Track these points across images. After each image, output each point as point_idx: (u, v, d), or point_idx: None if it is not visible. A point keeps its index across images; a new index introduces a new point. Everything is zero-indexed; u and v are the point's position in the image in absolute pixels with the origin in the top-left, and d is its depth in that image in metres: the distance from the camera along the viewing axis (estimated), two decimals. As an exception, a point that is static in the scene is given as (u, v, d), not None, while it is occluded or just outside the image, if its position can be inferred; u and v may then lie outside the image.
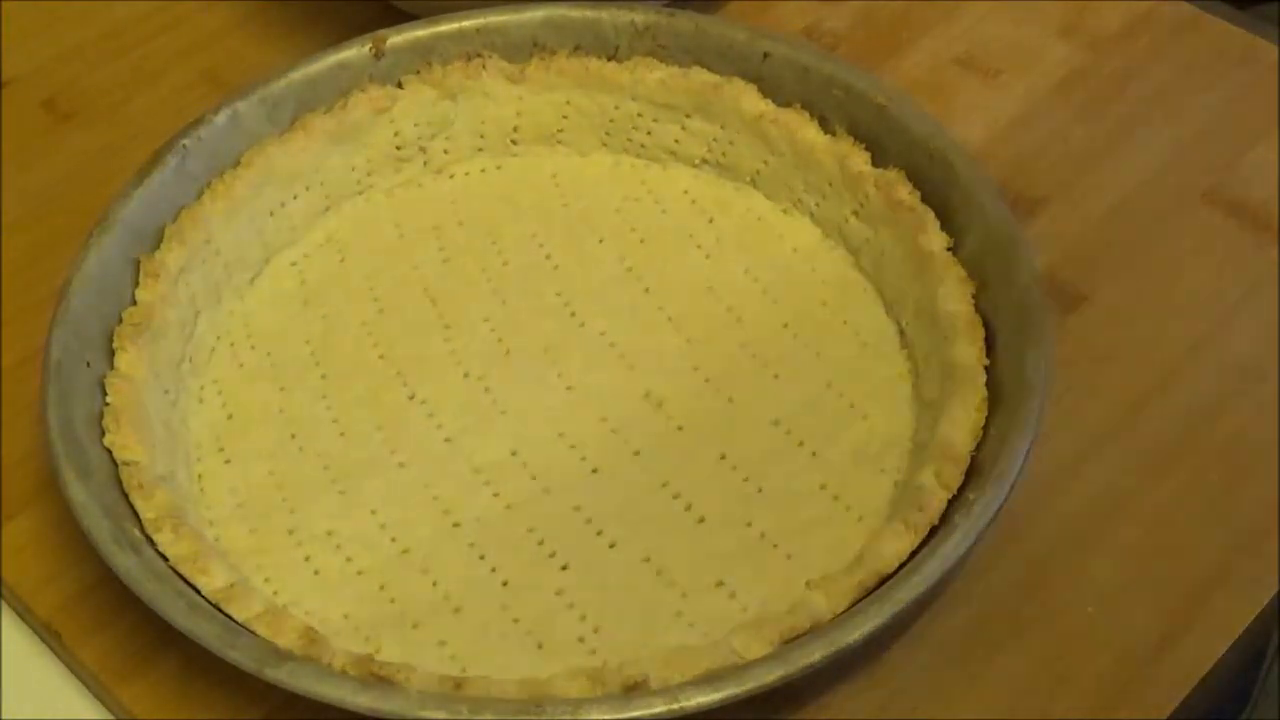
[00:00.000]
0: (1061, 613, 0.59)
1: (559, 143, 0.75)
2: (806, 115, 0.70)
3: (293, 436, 0.64)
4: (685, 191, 0.73)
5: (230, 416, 0.65)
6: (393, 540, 0.61)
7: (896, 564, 0.55)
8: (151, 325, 0.63)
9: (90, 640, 0.59)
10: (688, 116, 0.72)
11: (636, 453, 0.63)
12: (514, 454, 0.63)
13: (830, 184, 0.69)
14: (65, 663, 0.59)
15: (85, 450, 0.58)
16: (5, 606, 0.61)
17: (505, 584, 0.59)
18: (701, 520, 0.61)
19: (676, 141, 0.73)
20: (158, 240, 0.66)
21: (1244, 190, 0.73)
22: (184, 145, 0.67)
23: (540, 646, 0.57)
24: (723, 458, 0.63)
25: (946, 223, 0.66)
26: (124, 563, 0.55)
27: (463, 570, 0.60)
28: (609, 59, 0.73)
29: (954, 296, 0.63)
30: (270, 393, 0.66)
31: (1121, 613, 0.59)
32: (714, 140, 0.72)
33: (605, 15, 0.73)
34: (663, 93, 0.72)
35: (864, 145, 0.69)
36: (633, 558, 0.60)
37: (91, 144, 0.77)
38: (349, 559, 0.60)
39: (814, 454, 0.63)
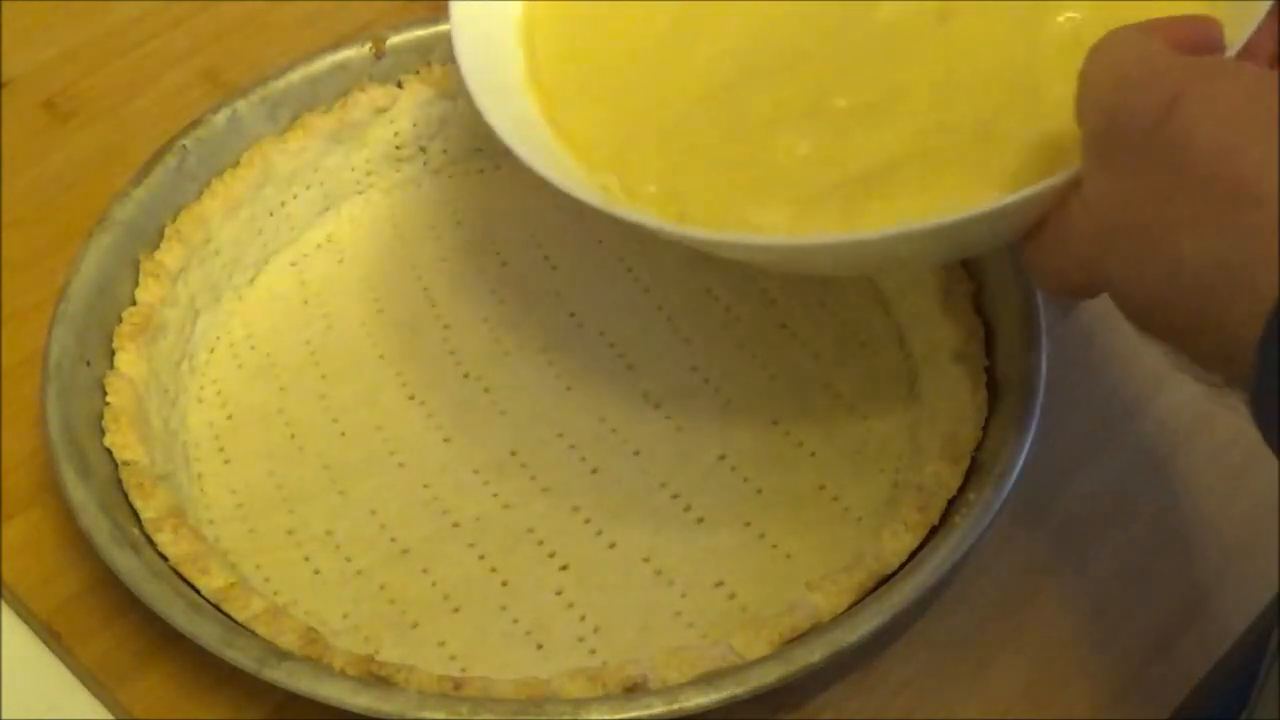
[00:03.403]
0: (1061, 613, 0.59)
1: (558, 143, 0.75)
2: (806, 115, 0.70)
3: (292, 436, 0.64)
4: (685, 192, 0.73)
5: (230, 416, 0.65)
6: (392, 540, 0.61)
7: (896, 564, 0.55)
8: (151, 325, 0.63)
9: (90, 640, 0.58)
10: (687, 116, 0.72)
11: (636, 453, 0.63)
12: (513, 454, 0.63)
13: (830, 184, 0.69)
14: (65, 663, 0.59)
15: (85, 450, 0.58)
16: (5, 606, 0.61)
17: (505, 584, 0.59)
18: (701, 520, 0.61)
19: (676, 141, 0.73)
20: (158, 240, 0.66)
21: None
22: (184, 145, 0.67)
23: (540, 646, 0.57)
24: (722, 458, 0.63)
25: (946, 223, 0.66)
26: (124, 563, 0.55)
27: (462, 570, 0.60)
28: (609, 59, 0.73)
29: (953, 297, 0.63)
30: (270, 393, 0.66)
31: (1121, 613, 0.59)
32: (714, 140, 0.72)
33: (605, 15, 0.73)
34: (662, 93, 0.72)
35: (864, 145, 0.69)
36: (632, 558, 0.60)
37: (91, 144, 0.77)
38: (348, 559, 0.60)
39: (813, 454, 0.63)
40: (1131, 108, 0.44)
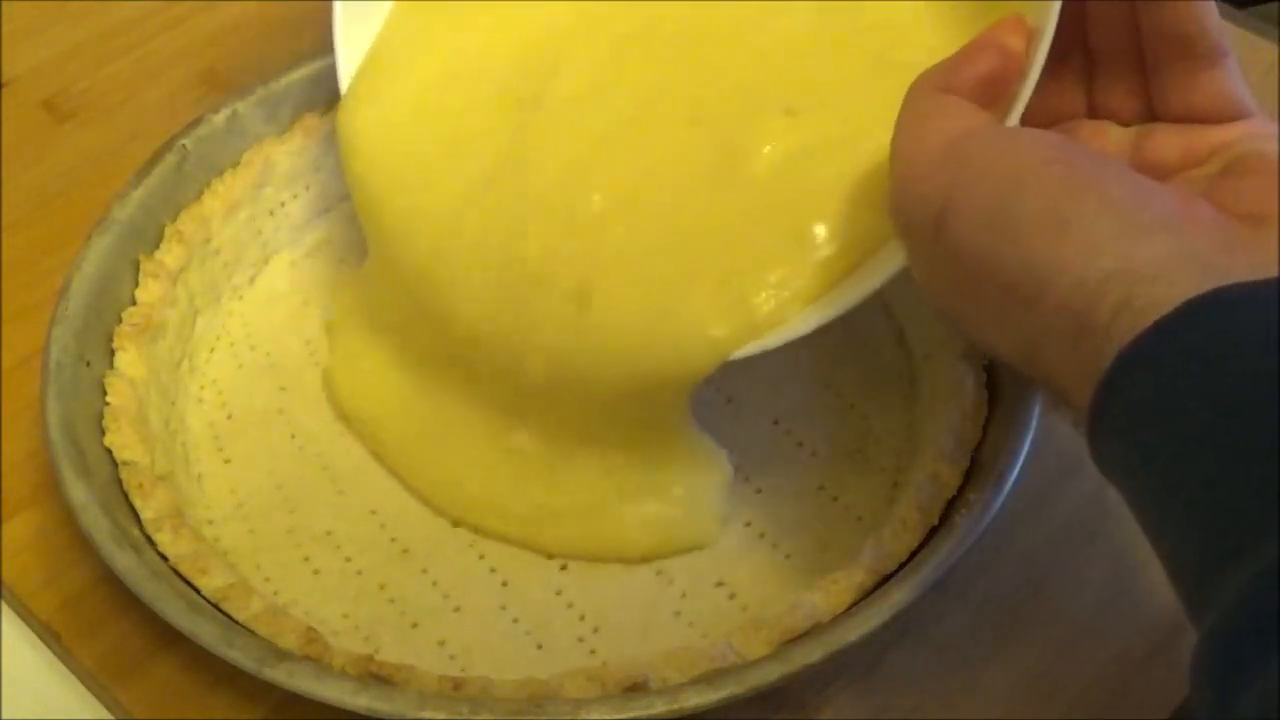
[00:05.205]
0: (1061, 613, 0.59)
1: (558, 143, 0.74)
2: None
3: (292, 436, 0.64)
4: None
5: (229, 416, 0.65)
6: (392, 540, 0.61)
7: (896, 564, 0.55)
8: (151, 325, 0.63)
9: (90, 640, 0.58)
10: (687, 116, 0.72)
11: (636, 453, 0.63)
12: (513, 454, 0.63)
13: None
14: (65, 663, 0.59)
15: (85, 450, 0.58)
16: (5, 606, 0.61)
17: (505, 584, 0.59)
18: (701, 520, 0.61)
19: (676, 141, 0.73)
20: (158, 240, 0.66)
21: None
22: (184, 145, 0.67)
23: (540, 646, 0.57)
24: (722, 458, 0.63)
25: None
26: (124, 563, 0.55)
27: (462, 570, 0.60)
28: (609, 59, 0.73)
29: (954, 296, 0.63)
30: (270, 393, 0.66)
31: (1120, 613, 0.59)
32: (714, 140, 0.72)
33: (605, 15, 0.73)
34: (662, 93, 0.72)
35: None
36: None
37: (91, 144, 0.77)
38: (348, 559, 0.60)
39: (813, 454, 0.63)
40: (911, 218, 0.46)
